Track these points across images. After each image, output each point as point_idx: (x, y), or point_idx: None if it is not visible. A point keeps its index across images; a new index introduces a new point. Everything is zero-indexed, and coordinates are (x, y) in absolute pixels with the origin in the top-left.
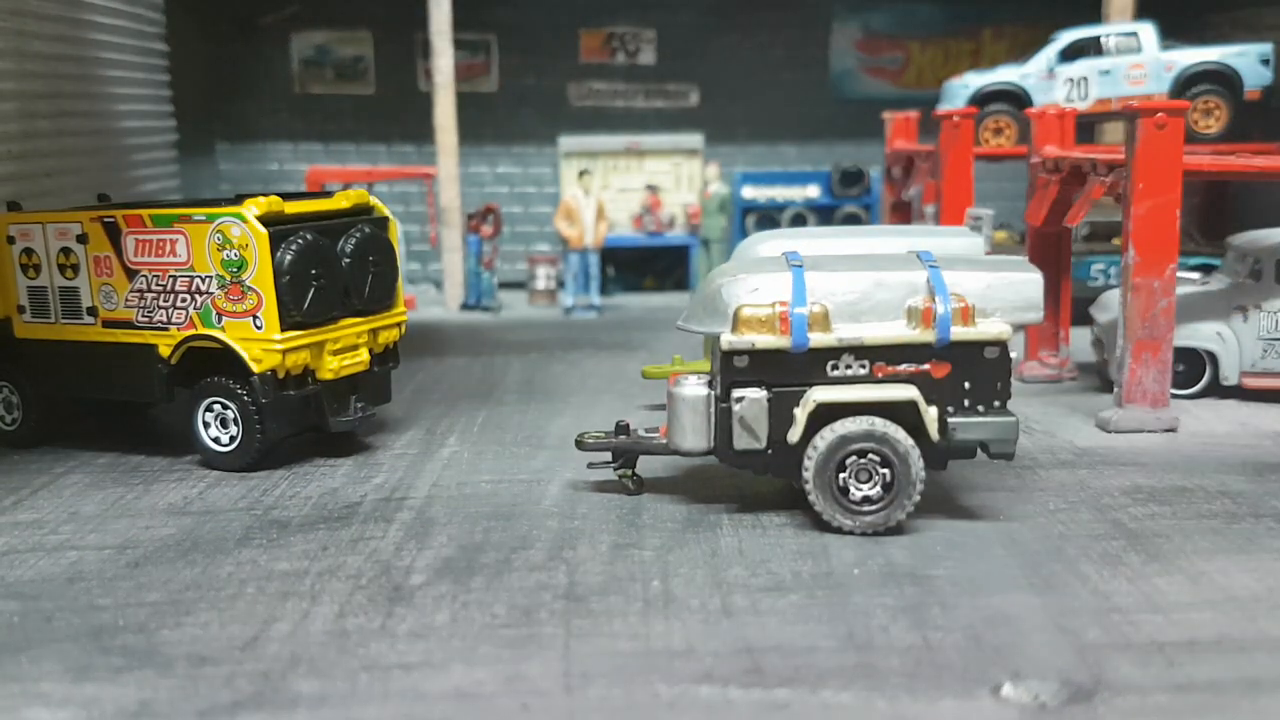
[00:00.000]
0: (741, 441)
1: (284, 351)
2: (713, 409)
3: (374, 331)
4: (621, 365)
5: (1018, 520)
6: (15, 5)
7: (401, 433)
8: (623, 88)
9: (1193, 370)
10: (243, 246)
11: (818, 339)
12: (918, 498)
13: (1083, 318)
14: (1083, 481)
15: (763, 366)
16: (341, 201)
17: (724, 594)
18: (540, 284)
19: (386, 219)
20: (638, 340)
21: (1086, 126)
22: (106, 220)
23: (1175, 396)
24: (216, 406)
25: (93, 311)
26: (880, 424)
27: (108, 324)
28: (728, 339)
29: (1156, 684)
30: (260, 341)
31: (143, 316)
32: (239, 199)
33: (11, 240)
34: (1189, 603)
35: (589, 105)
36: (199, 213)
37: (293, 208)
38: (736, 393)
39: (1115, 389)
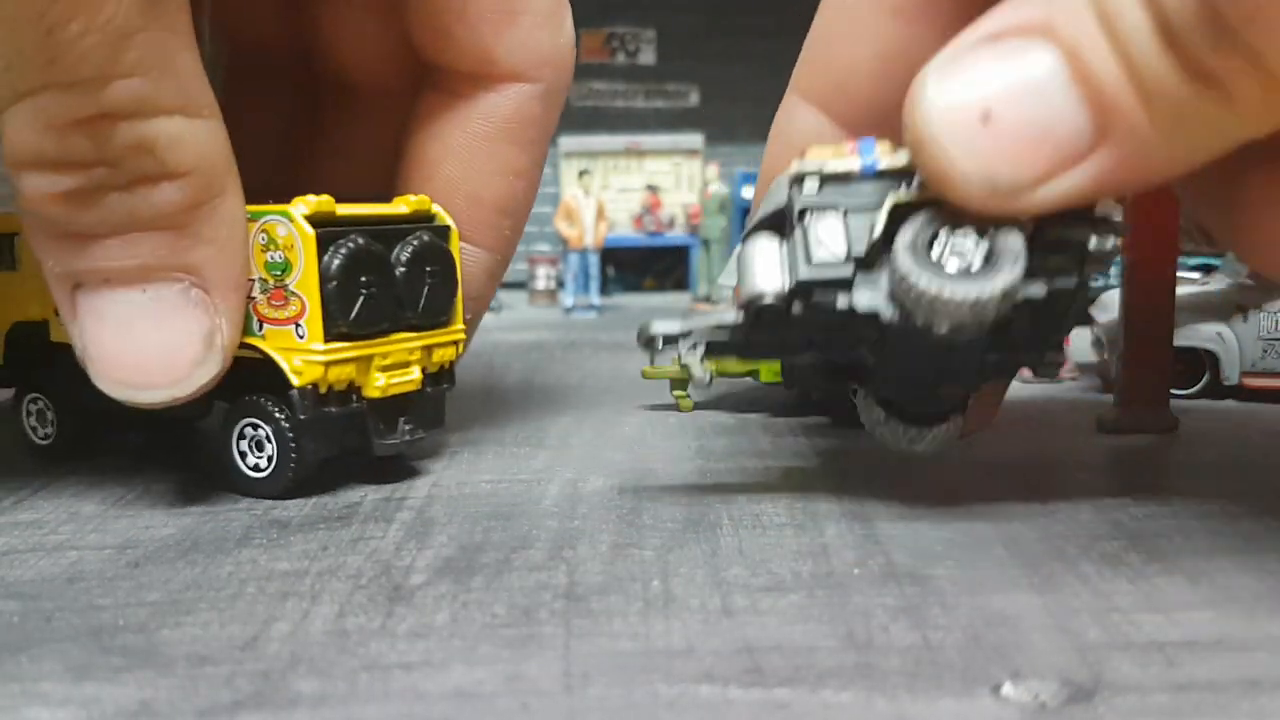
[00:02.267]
0: (820, 253)
1: (326, 364)
2: (783, 245)
3: (428, 348)
4: (621, 365)
5: (1018, 520)
6: None
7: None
8: (623, 88)
9: (1193, 370)
10: (288, 248)
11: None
12: None
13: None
14: (1083, 482)
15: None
16: (400, 206)
17: (724, 594)
18: (540, 284)
19: (448, 227)
20: None
21: None
22: None
23: (1175, 397)
24: (249, 430)
25: None
26: None
27: None
28: (796, 163)
29: (1157, 683)
30: (301, 352)
31: None
32: (290, 197)
33: None
34: (1189, 602)
35: (589, 105)
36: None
37: (345, 209)
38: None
39: (1115, 389)
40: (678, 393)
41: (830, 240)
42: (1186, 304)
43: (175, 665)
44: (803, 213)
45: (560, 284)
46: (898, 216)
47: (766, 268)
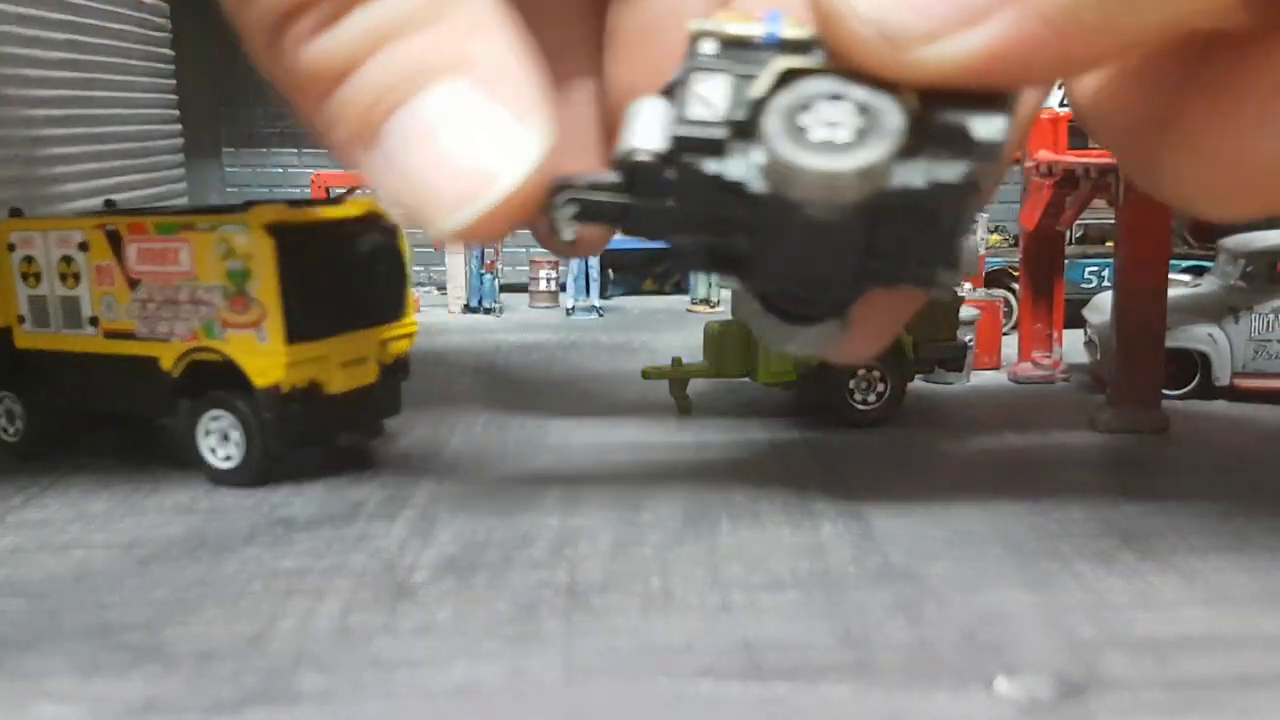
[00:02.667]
0: (698, 110)
1: (289, 365)
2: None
3: (383, 343)
4: (621, 366)
5: (1012, 518)
6: (24, 12)
7: (405, 432)
8: None
9: (1184, 371)
10: (247, 256)
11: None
12: None
13: (1076, 320)
14: (1076, 480)
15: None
16: (350, 209)
17: (723, 591)
18: (542, 286)
19: (396, 227)
20: (638, 341)
21: (1080, 131)
22: (109, 228)
23: (1167, 397)
24: (218, 423)
25: (94, 321)
26: None
27: (110, 334)
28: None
29: (1149, 680)
30: (264, 355)
31: (145, 327)
32: (247, 206)
33: (12, 248)
34: (1182, 600)
35: None
36: (203, 220)
37: (300, 216)
38: None
39: (1108, 390)
40: (677, 393)
41: (712, 99)
42: (1178, 305)
43: (182, 662)
44: (691, 72)
45: (562, 286)
46: (786, 82)
47: (647, 126)
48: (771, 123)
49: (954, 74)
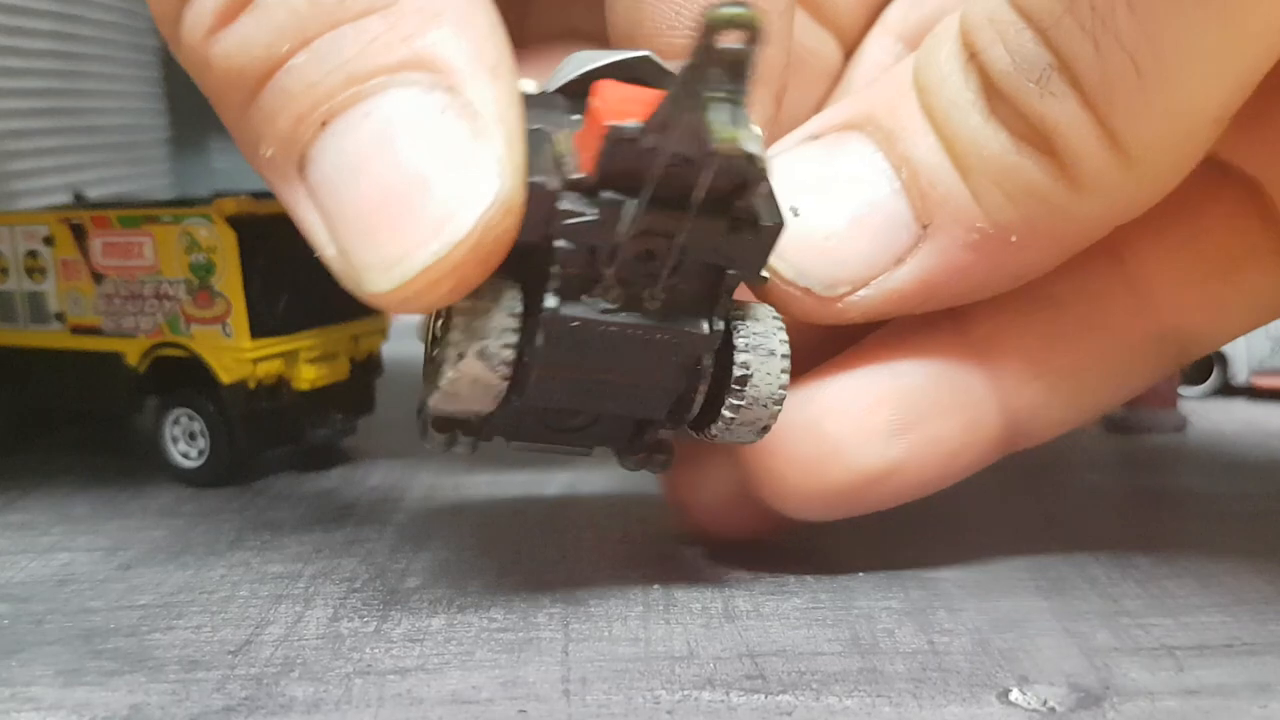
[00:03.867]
0: None
1: (255, 361)
2: None
3: (355, 338)
4: None
5: (1024, 521)
6: (7, 1)
7: (396, 434)
8: None
9: (1200, 369)
10: (210, 249)
11: None
12: None
13: None
14: (1090, 482)
15: None
16: None
17: (726, 597)
18: None
19: None
20: None
21: None
22: (73, 222)
23: (1183, 396)
24: (183, 419)
25: (60, 317)
26: None
27: (76, 330)
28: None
29: (1166, 688)
30: (230, 350)
31: (110, 323)
32: (214, 198)
33: None
34: (1198, 605)
35: None
36: (166, 213)
37: (266, 208)
38: None
39: None
40: None
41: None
42: None
43: (167, 669)
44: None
45: None
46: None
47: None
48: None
49: (884, 313)
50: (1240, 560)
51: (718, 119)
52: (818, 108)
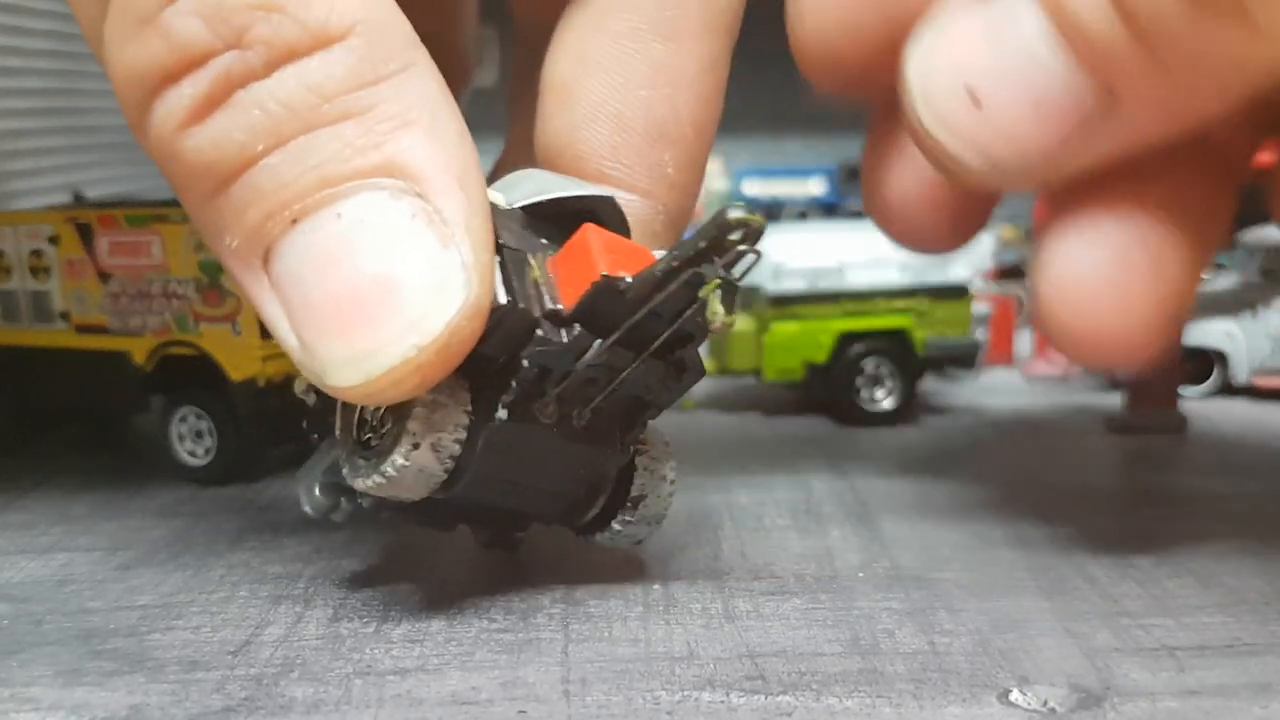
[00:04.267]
0: None
1: (265, 359)
2: None
3: None
4: None
5: (1024, 522)
6: (7, 0)
7: None
8: None
9: (1201, 369)
10: None
11: None
12: None
13: None
14: (1090, 482)
15: None
16: None
17: (726, 597)
18: None
19: None
20: None
21: None
22: (79, 221)
23: (1183, 396)
24: (190, 418)
25: (65, 316)
26: None
27: (81, 329)
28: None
29: (1166, 688)
30: (239, 348)
31: (117, 322)
32: None
33: None
34: (1199, 605)
35: None
36: (175, 213)
37: None
38: None
39: (1123, 388)
40: None
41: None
42: (1195, 302)
43: (166, 670)
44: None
45: None
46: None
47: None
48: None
49: (1080, 175)
50: (1241, 560)
51: (718, 303)
52: None
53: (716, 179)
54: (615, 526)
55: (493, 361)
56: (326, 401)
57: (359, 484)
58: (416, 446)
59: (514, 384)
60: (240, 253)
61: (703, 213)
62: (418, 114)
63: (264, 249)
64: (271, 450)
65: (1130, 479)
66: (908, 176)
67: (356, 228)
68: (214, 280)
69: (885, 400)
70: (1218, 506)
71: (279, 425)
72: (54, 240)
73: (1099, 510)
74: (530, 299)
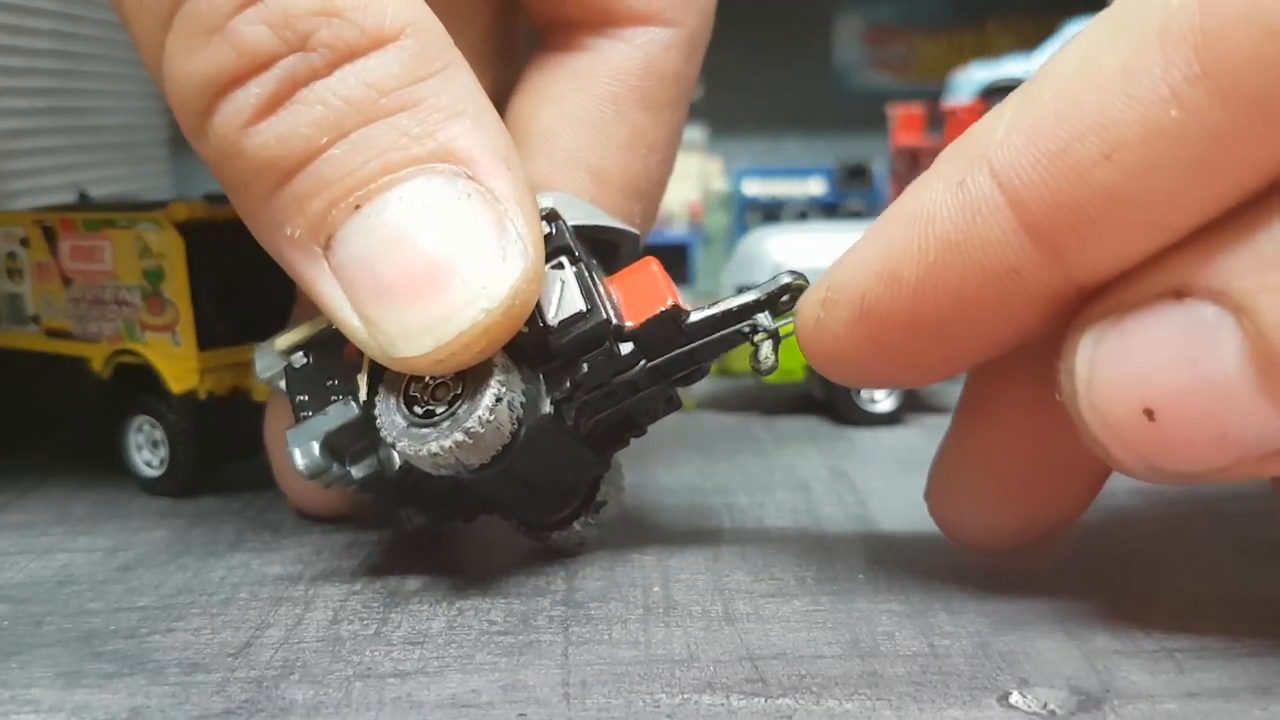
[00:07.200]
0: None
1: (204, 371)
2: None
3: None
4: None
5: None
6: (11, 2)
7: None
8: None
9: None
10: (161, 255)
11: None
12: None
13: None
14: None
15: None
16: None
17: (726, 600)
18: None
19: None
20: None
21: None
22: (45, 224)
23: None
24: (145, 427)
25: (36, 319)
26: None
27: (50, 333)
28: None
29: (1166, 690)
30: (179, 359)
31: (78, 327)
32: (170, 202)
33: None
34: (1200, 607)
35: None
36: (122, 218)
37: (217, 213)
38: None
39: None
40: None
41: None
42: None
43: (166, 672)
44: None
45: None
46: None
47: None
48: (380, 401)
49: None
50: (1242, 561)
51: (769, 349)
52: None
53: (716, 179)
54: (576, 528)
55: (552, 358)
56: (323, 364)
57: (430, 448)
58: (499, 400)
59: (569, 383)
60: (301, 242)
61: (703, 213)
62: (464, 105)
63: (326, 236)
64: (226, 464)
65: (1130, 480)
66: (984, 506)
67: (419, 209)
68: (155, 288)
69: (885, 400)
70: (1218, 508)
71: (228, 439)
72: (25, 243)
73: (1099, 510)
74: (610, 309)
